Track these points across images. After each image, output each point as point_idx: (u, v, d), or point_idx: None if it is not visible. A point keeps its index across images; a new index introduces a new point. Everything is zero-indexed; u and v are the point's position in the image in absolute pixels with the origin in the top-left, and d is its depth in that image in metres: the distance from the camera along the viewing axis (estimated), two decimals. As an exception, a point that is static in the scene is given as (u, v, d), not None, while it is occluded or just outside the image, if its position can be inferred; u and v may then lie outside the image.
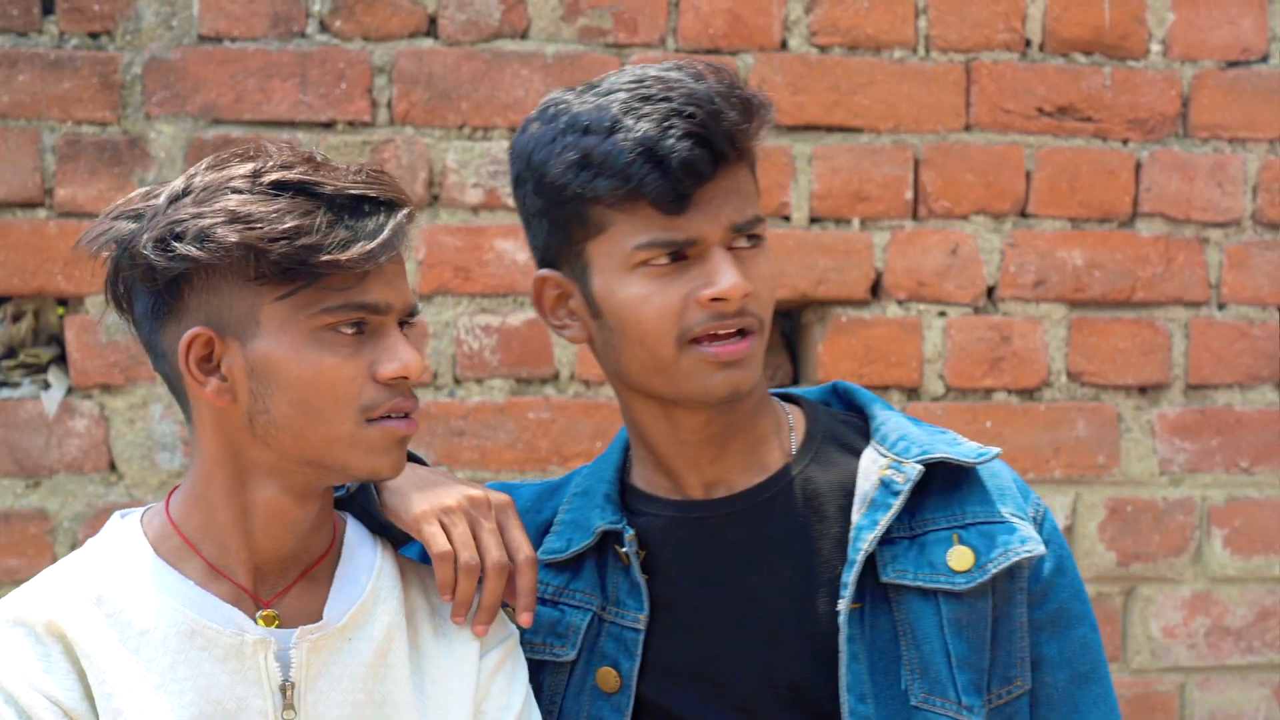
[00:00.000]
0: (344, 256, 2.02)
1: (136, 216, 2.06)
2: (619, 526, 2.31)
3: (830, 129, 3.74)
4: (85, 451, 3.53)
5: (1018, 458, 3.74)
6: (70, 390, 3.54)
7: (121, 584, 2.10)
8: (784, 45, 3.73)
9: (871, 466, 2.29)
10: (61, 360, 3.56)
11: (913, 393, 3.75)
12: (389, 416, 2.09)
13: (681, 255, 2.19)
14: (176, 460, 3.53)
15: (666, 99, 2.16)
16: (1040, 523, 2.32)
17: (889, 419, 2.36)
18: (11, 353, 3.56)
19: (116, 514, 2.21)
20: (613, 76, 2.24)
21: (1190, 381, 3.85)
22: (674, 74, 2.20)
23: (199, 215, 2.01)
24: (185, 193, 2.05)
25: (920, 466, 2.26)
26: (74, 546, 3.46)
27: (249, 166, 2.05)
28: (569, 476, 2.46)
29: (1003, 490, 2.31)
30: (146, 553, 2.13)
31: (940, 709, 2.23)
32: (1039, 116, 3.79)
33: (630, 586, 2.30)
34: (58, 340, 3.57)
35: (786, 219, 3.71)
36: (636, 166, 2.15)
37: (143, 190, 2.11)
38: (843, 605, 2.23)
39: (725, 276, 2.17)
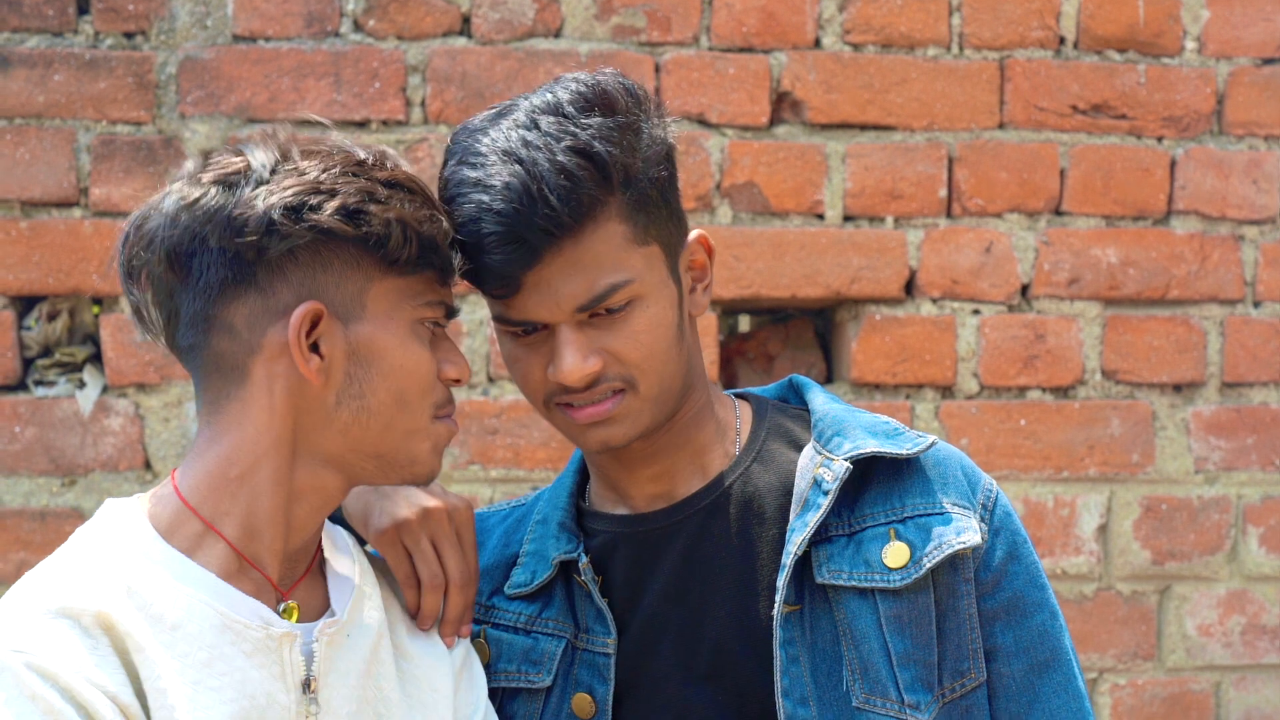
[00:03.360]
0: (454, 259, 2.07)
1: (229, 185, 2.01)
2: (574, 555, 2.31)
3: (864, 127, 3.73)
4: (120, 450, 3.53)
5: (1052, 456, 3.74)
6: (105, 389, 3.54)
7: (144, 575, 2.01)
8: (817, 43, 3.72)
9: (808, 464, 2.27)
10: (97, 359, 3.56)
11: (947, 391, 3.74)
12: (443, 416, 2.13)
13: (535, 329, 2.18)
14: None
15: (484, 188, 2.11)
16: (990, 509, 2.28)
17: (828, 413, 2.32)
18: (47, 352, 3.56)
19: (109, 501, 2.11)
20: (496, 124, 2.17)
21: (1225, 379, 3.84)
22: (519, 138, 2.12)
23: (332, 191, 2.00)
24: (279, 166, 2.02)
25: (848, 464, 2.23)
26: None
27: (348, 155, 2.05)
28: (534, 501, 2.46)
29: (946, 479, 2.27)
30: (158, 542, 2.04)
31: (881, 709, 2.20)
32: (1073, 114, 3.78)
33: (596, 612, 2.29)
34: (93, 339, 3.57)
35: (820, 217, 3.71)
36: (462, 253, 2.13)
37: (198, 164, 2.05)
38: (775, 609, 2.20)
39: (563, 361, 2.16)
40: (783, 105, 3.71)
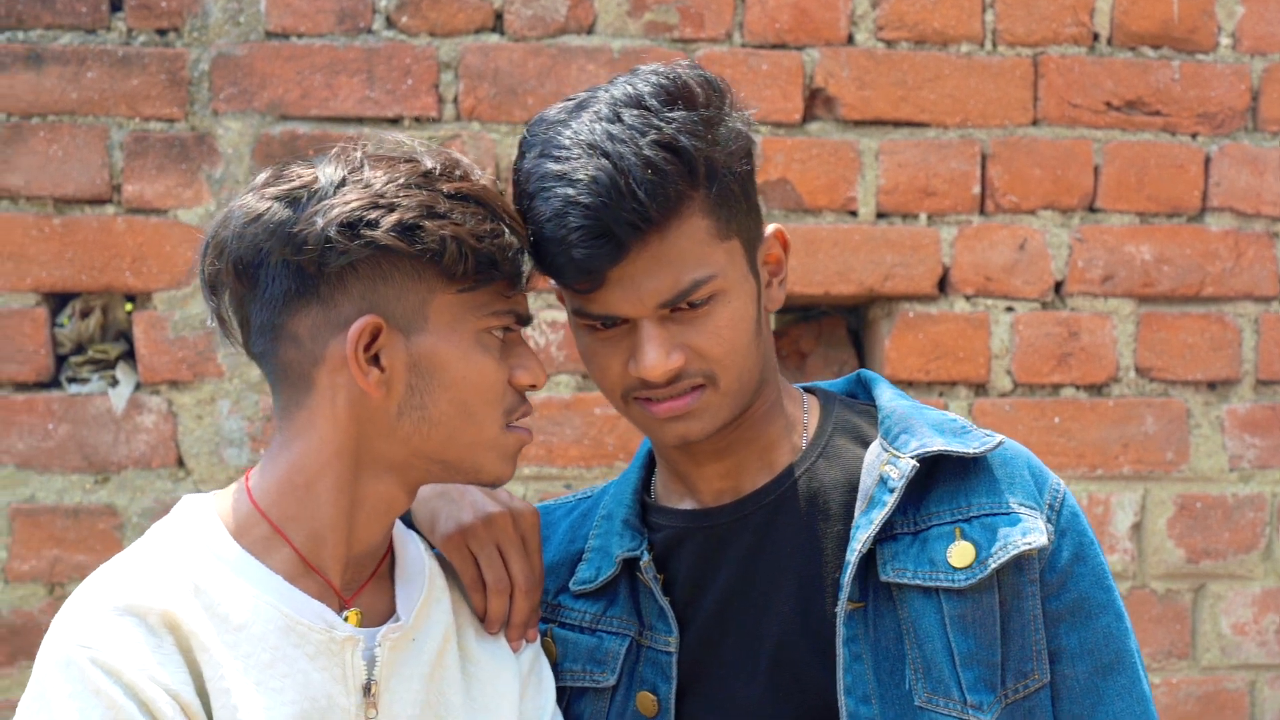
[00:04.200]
0: (523, 269, 2.06)
1: (293, 200, 2.03)
2: (637, 553, 2.30)
3: (897, 124, 3.72)
4: (153, 447, 3.53)
5: (1086, 454, 3.72)
6: (138, 386, 3.54)
7: (212, 574, 2.04)
8: (850, 40, 3.71)
9: (875, 461, 2.26)
10: (130, 356, 3.56)
11: (980, 388, 3.73)
12: (516, 424, 2.12)
13: (615, 323, 2.16)
14: (244, 456, 3.52)
15: (570, 181, 2.09)
16: (1057, 509, 2.26)
17: (895, 409, 2.31)
18: (80, 349, 3.56)
19: (186, 498, 2.15)
20: (576, 116, 2.15)
21: (1260, 377, 3.82)
22: (603, 130, 2.10)
23: (390, 206, 2.00)
24: (345, 180, 2.03)
25: (914, 462, 2.21)
26: None
27: (415, 166, 2.05)
28: (600, 494, 2.45)
29: (1013, 478, 2.26)
30: (228, 542, 2.07)
31: (943, 709, 2.18)
32: (1107, 111, 3.77)
33: (659, 610, 2.29)
34: (126, 336, 3.57)
35: (853, 214, 3.70)
36: (541, 252, 2.13)
37: (271, 175, 2.07)
38: (839, 607, 2.19)
39: (645, 356, 2.15)
40: (816, 102, 3.70)
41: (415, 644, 2.13)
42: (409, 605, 2.16)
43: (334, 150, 2.09)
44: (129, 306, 3.57)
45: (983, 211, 3.74)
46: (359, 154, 2.07)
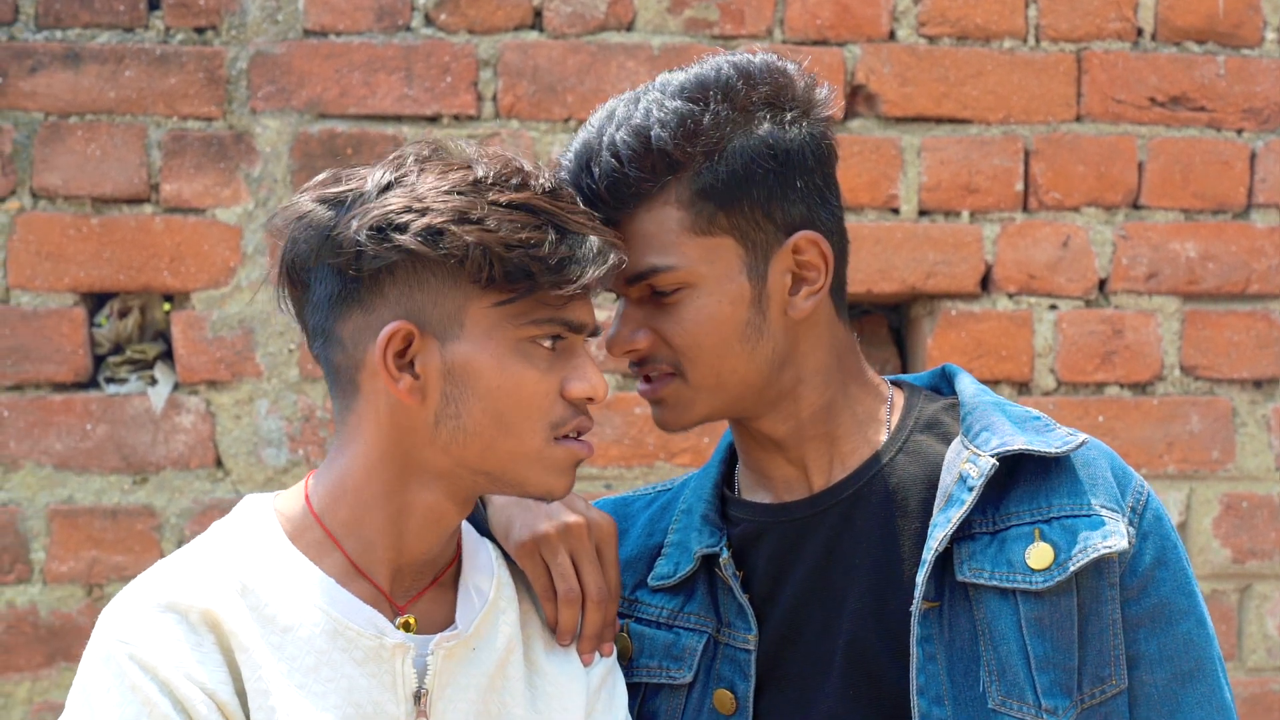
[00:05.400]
0: (576, 279, 2.02)
1: (337, 203, 2.04)
2: (716, 549, 2.28)
3: (939, 120, 3.71)
4: (191, 448, 3.53)
5: (1130, 453, 3.69)
6: (176, 386, 3.55)
7: (263, 575, 2.04)
8: (892, 36, 3.70)
9: (955, 458, 2.22)
10: (168, 356, 3.57)
11: (1023, 387, 3.71)
12: (570, 436, 2.08)
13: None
14: (283, 457, 3.53)
15: (571, 152, 2.20)
16: (1140, 512, 2.21)
17: (978, 405, 2.28)
18: (118, 349, 3.57)
19: (249, 497, 2.15)
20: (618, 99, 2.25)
21: (1307, 375, 3.80)
22: (611, 109, 2.19)
23: (423, 210, 1.99)
24: (391, 186, 2.03)
25: (994, 461, 2.18)
26: (180, 543, 3.46)
27: (465, 173, 2.03)
28: (681, 486, 2.44)
29: (1095, 479, 2.21)
30: (284, 543, 2.07)
31: (1017, 713, 2.15)
32: (1151, 107, 3.76)
33: (737, 607, 2.27)
34: (164, 336, 3.58)
35: (895, 211, 3.68)
36: None
37: (329, 176, 2.08)
38: (914, 605, 2.17)
39: (611, 330, 2.22)
40: (857, 98, 3.69)
41: (475, 654, 2.11)
42: (469, 614, 2.14)
43: (394, 154, 2.08)
44: (167, 306, 3.58)
45: (1026, 209, 3.73)
46: (412, 159, 2.06)
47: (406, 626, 2.09)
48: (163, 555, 3.39)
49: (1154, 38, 3.76)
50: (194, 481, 3.53)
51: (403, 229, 1.99)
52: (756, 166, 2.17)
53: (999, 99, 3.71)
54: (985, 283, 3.72)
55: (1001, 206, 3.72)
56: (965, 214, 3.71)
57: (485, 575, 2.19)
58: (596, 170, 2.14)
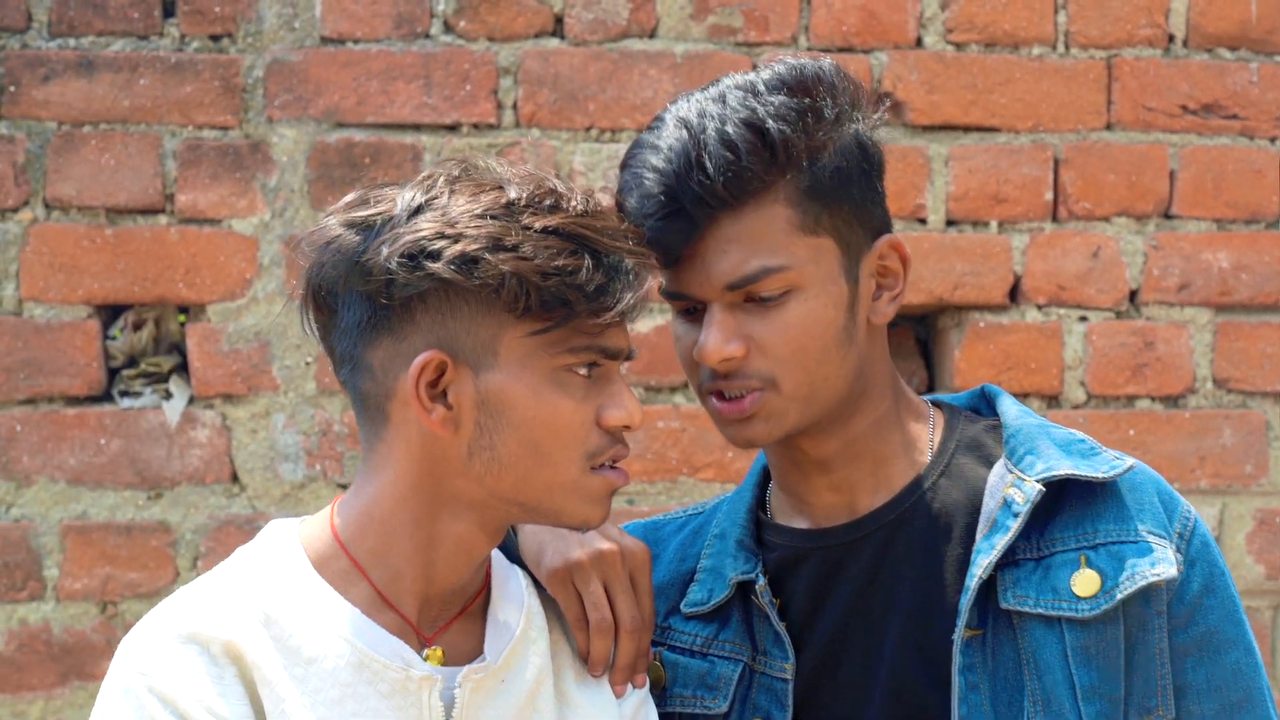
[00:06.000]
0: (613, 306, 1.98)
1: (366, 228, 2.00)
2: (752, 576, 2.24)
3: (967, 129, 3.68)
4: (207, 463, 3.52)
5: (1162, 467, 3.52)
6: (192, 400, 3.53)
7: (287, 605, 2.01)
8: (919, 43, 3.68)
9: (998, 482, 2.19)
10: (183, 369, 3.55)
11: (1053, 400, 3.69)
12: (606, 465, 2.05)
13: (692, 308, 2.15)
14: (300, 471, 3.51)
15: (654, 149, 2.12)
16: (1188, 538, 2.18)
17: (1022, 428, 2.24)
18: (132, 362, 3.56)
19: (273, 523, 2.12)
20: (691, 96, 2.18)
21: (1342, 388, 3.77)
22: (699, 108, 2.12)
23: (456, 236, 1.95)
24: (421, 209, 1.99)
25: (1040, 486, 2.15)
26: (196, 559, 3.47)
27: (498, 195, 2.00)
28: (713, 510, 2.40)
29: (1142, 504, 2.18)
30: (309, 572, 2.04)
31: None
32: (1183, 114, 3.73)
33: (774, 635, 2.23)
34: (179, 349, 3.56)
35: (922, 221, 3.66)
36: (629, 219, 2.13)
37: (356, 197, 2.04)
38: (956, 634, 2.13)
39: (705, 338, 2.12)
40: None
41: (504, 685, 2.07)
42: (498, 645, 2.10)
43: (422, 175, 2.04)
44: (182, 318, 3.56)
45: (1055, 218, 3.70)
46: (443, 180, 2.02)
47: (434, 658, 2.06)
48: (178, 572, 3.45)
49: (1185, 44, 3.73)
50: (209, 497, 3.51)
51: (435, 256, 1.95)
52: (853, 166, 2.15)
53: (1028, 107, 3.69)
54: (1014, 294, 3.69)
55: (1030, 216, 3.69)
56: (993, 224, 3.69)
57: (515, 604, 2.15)
58: (709, 165, 2.06)
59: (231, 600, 2.00)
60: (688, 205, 2.07)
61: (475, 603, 2.12)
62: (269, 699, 1.96)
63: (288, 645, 1.99)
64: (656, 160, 2.10)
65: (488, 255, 1.94)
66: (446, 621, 2.09)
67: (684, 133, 2.09)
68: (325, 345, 2.07)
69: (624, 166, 2.15)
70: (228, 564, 2.08)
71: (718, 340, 2.11)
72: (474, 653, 2.09)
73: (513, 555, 2.23)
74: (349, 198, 2.05)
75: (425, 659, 2.04)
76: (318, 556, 2.06)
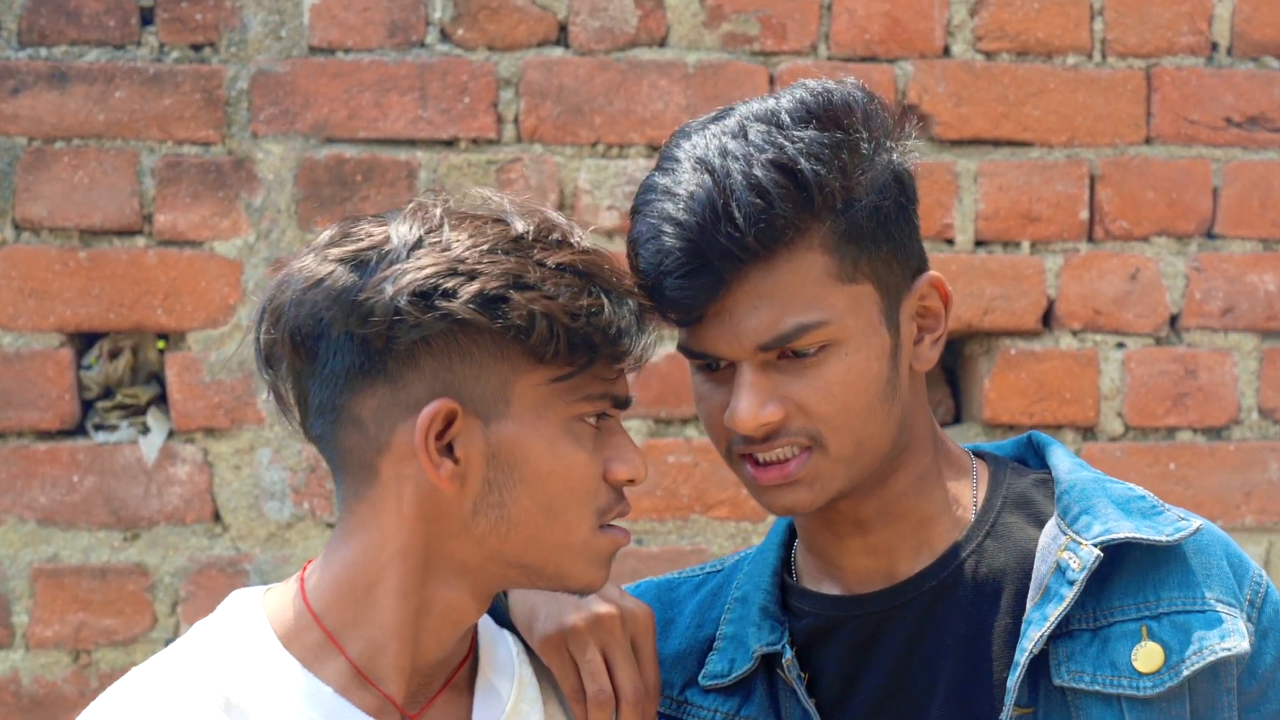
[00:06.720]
0: (629, 349, 1.89)
1: (360, 264, 1.87)
2: (778, 648, 2.11)
3: (998, 143, 3.62)
4: (187, 501, 3.46)
5: (1204, 504, 3.60)
6: (171, 434, 3.48)
7: (251, 687, 1.89)
8: (947, 51, 3.62)
9: (1051, 545, 2.06)
10: (162, 401, 3.50)
11: (1088, 432, 3.62)
12: (610, 524, 1.96)
13: (719, 364, 2.03)
14: (286, 510, 3.45)
15: (671, 195, 1.97)
16: (1259, 606, 2.07)
17: (1076, 483, 2.11)
18: (108, 393, 3.51)
19: (236, 593, 2.00)
20: (706, 128, 2.03)
21: (1395, 419, 3.74)
22: (719, 146, 1.97)
23: (470, 274, 1.84)
24: (421, 242, 1.87)
25: (1098, 551, 2.02)
26: (175, 604, 3.43)
27: (504, 229, 1.89)
28: (733, 569, 2.27)
29: (1209, 569, 2.06)
30: (275, 648, 1.91)
31: None
32: (1227, 128, 3.67)
33: (802, 712, 2.10)
34: (158, 379, 3.52)
35: (950, 242, 3.60)
36: (639, 277, 2.00)
37: (336, 232, 1.92)
38: (1005, 714, 2.00)
39: (738, 405, 1.99)
40: (908, 119, 3.53)
41: None
42: None
43: (410, 206, 1.93)
44: (161, 346, 3.51)
45: (1091, 239, 3.64)
46: (439, 211, 1.90)
47: None
48: (156, 618, 3.39)
49: (1229, 53, 3.69)
50: (190, 538, 3.45)
51: (450, 295, 1.83)
52: (890, 202, 2.02)
53: (1062, 119, 3.62)
54: (1047, 319, 3.62)
55: (1065, 236, 3.63)
56: (1025, 245, 3.62)
57: (505, 674, 2.04)
58: (738, 216, 1.92)
59: (187, 685, 1.88)
60: (714, 260, 1.93)
61: (460, 673, 2.01)
62: None
63: None
64: (675, 210, 1.95)
65: (513, 294, 1.84)
66: (430, 696, 1.98)
67: (706, 177, 1.95)
68: (295, 393, 1.94)
69: (635, 213, 2.01)
70: (183, 642, 1.96)
71: (752, 406, 1.97)
72: None
73: (501, 619, 2.13)
74: (327, 234, 1.93)
75: None
76: (286, 630, 1.93)
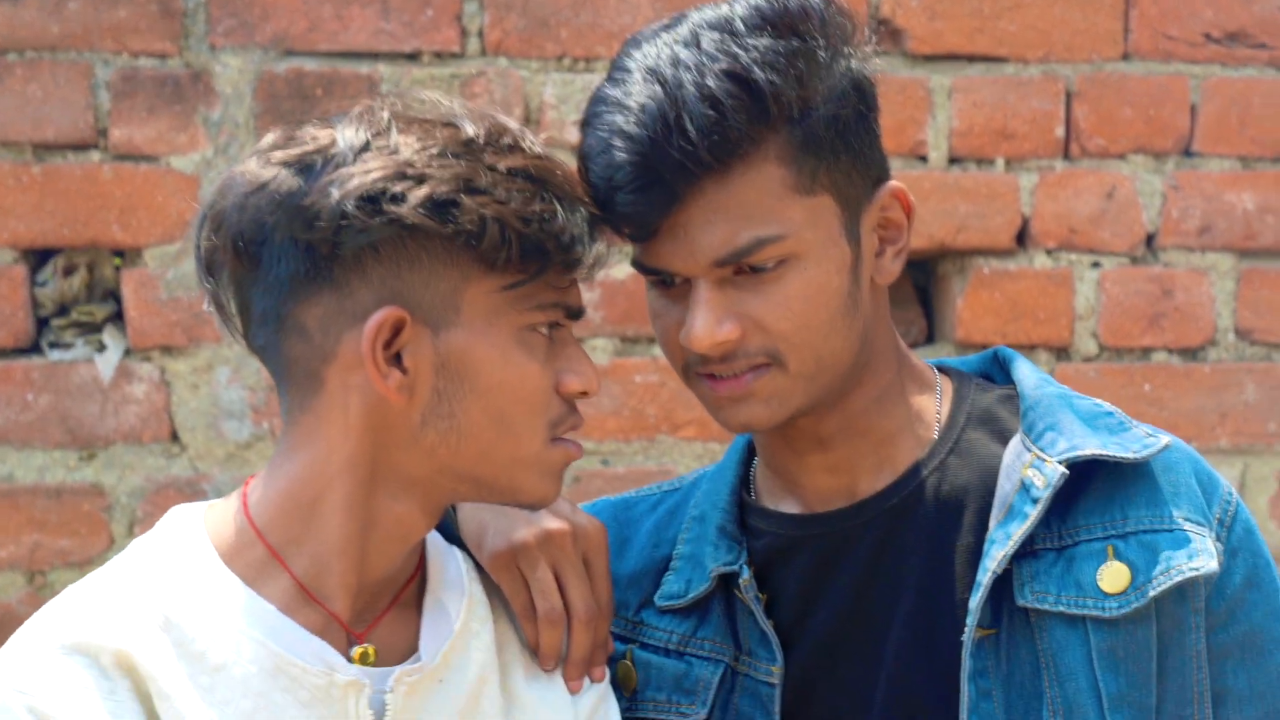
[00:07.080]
0: (583, 256, 1.87)
1: (305, 168, 1.83)
2: (735, 567, 2.10)
3: (972, 58, 3.58)
4: (144, 420, 3.42)
5: (1179, 425, 3.58)
6: (127, 352, 3.44)
7: (191, 605, 1.86)
8: (920, -37, 3.61)
9: (1015, 462, 2.04)
10: (118, 319, 3.46)
11: (1062, 352, 3.60)
12: (562, 437, 1.93)
13: (674, 280, 2.00)
14: (245, 430, 3.41)
15: (621, 108, 1.93)
16: (1229, 526, 2.05)
17: (1041, 399, 2.09)
18: (63, 310, 3.46)
19: (176, 509, 1.97)
20: (657, 36, 1.99)
21: (1374, 340, 3.72)
22: (671, 55, 1.92)
23: (419, 177, 1.80)
24: (368, 146, 1.83)
25: (1063, 469, 1.99)
26: (132, 525, 3.39)
27: (454, 132, 1.85)
28: (690, 487, 2.25)
29: (1178, 487, 2.04)
30: (216, 565, 1.89)
31: None
32: (1206, 43, 3.64)
33: (760, 635, 2.09)
34: (114, 296, 3.47)
35: (923, 159, 3.56)
36: (591, 190, 1.97)
37: (280, 136, 1.88)
38: (966, 634, 1.98)
39: (693, 324, 1.97)
40: (881, 34, 3.58)
41: (442, 686, 1.94)
42: (435, 641, 1.96)
43: (356, 109, 1.89)
44: (117, 262, 3.46)
45: (1067, 156, 3.61)
46: (386, 114, 1.87)
47: (364, 657, 1.91)
48: (112, 539, 3.36)
49: None
50: (147, 457, 3.41)
51: (399, 199, 1.80)
52: (850, 111, 1.99)
53: (1038, 35, 3.59)
54: (1021, 238, 3.60)
55: (1040, 154, 3.60)
56: (1000, 162, 3.59)
57: (454, 592, 2.01)
58: (690, 127, 1.88)
59: (125, 602, 1.85)
60: (666, 174, 1.90)
61: (408, 590, 1.99)
62: (167, 714, 1.82)
63: (191, 651, 1.84)
64: (625, 123, 1.91)
65: (463, 198, 1.81)
66: (378, 615, 1.95)
67: (657, 88, 1.91)
68: (237, 302, 1.90)
69: (585, 126, 1.97)
70: (121, 559, 1.93)
71: (708, 324, 1.94)
72: (409, 648, 1.96)
73: (451, 535, 2.09)
74: (270, 137, 1.90)
75: (353, 659, 1.90)
76: (227, 547, 1.90)
